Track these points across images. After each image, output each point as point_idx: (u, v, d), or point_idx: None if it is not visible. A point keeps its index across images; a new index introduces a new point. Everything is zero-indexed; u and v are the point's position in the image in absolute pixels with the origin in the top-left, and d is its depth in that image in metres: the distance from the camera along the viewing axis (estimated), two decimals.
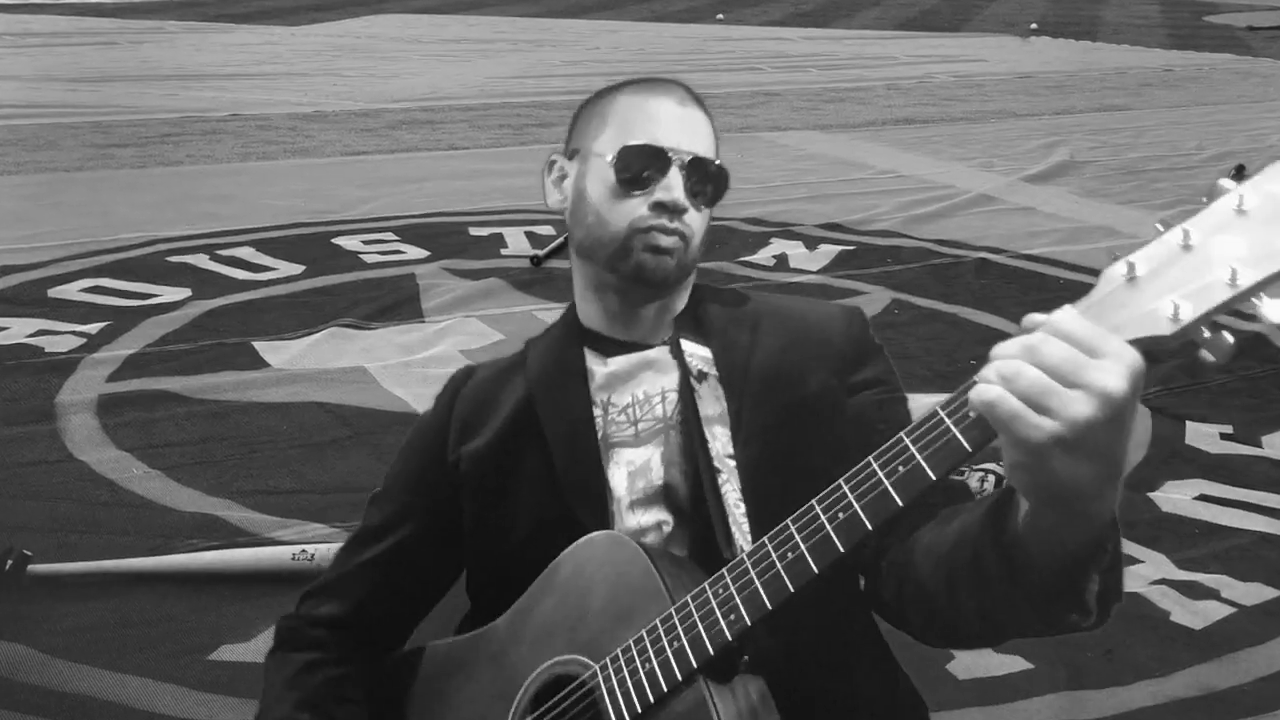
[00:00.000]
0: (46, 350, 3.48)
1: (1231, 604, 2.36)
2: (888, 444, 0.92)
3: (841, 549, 0.95)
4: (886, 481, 0.92)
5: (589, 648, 1.11)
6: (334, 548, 2.24)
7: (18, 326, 3.66)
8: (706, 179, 1.25)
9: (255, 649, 2.13)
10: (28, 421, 3.03)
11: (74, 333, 3.62)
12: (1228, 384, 3.41)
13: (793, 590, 0.98)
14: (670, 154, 1.23)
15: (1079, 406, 0.77)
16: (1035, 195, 5.72)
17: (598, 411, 1.25)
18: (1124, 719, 2.06)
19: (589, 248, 1.27)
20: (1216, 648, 2.23)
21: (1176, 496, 2.79)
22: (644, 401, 1.25)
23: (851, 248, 4.72)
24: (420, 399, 3.10)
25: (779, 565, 0.98)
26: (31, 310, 3.81)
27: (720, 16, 15.25)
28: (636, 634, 1.07)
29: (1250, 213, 0.75)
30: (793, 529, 0.99)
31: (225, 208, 5.13)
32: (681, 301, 1.30)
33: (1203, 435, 3.12)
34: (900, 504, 0.92)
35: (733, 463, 1.19)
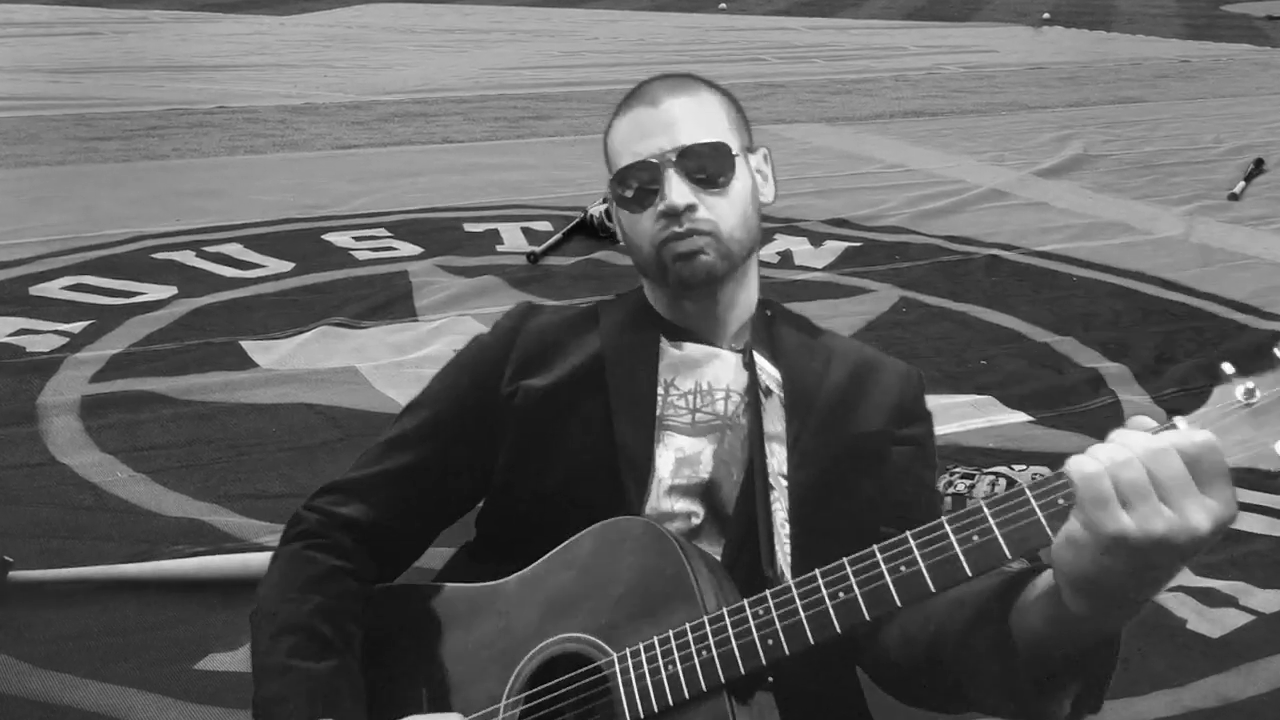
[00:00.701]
0: (28, 350, 3.40)
1: (1250, 611, 2.30)
2: (965, 510, 0.93)
3: (899, 603, 0.96)
4: (959, 548, 0.92)
5: (606, 633, 1.10)
6: None
7: None
8: (704, 163, 1.25)
9: (243, 658, 2.05)
10: (8, 424, 2.95)
11: (56, 332, 3.54)
12: None
13: (839, 631, 0.99)
14: (655, 160, 1.24)
15: (1158, 522, 0.81)
16: (1048, 190, 5.63)
17: (660, 391, 1.27)
18: None
19: (640, 269, 1.34)
20: (1235, 656, 2.17)
21: None
22: (706, 392, 1.27)
23: (858, 244, 4.63)
24: None
25: (829, 603, 0.99)
26: (12, 309, 3.72)
27: (723, 6, 15.21)
28: (662, 633, 1.06)
29: None
30: (849, 570, 0.99)
31: (212, 203, 5.04)
32: (746, 293, 1.33)
33: None
34: (970, 575, 0.92)
35: (785, 482, 1.21)
